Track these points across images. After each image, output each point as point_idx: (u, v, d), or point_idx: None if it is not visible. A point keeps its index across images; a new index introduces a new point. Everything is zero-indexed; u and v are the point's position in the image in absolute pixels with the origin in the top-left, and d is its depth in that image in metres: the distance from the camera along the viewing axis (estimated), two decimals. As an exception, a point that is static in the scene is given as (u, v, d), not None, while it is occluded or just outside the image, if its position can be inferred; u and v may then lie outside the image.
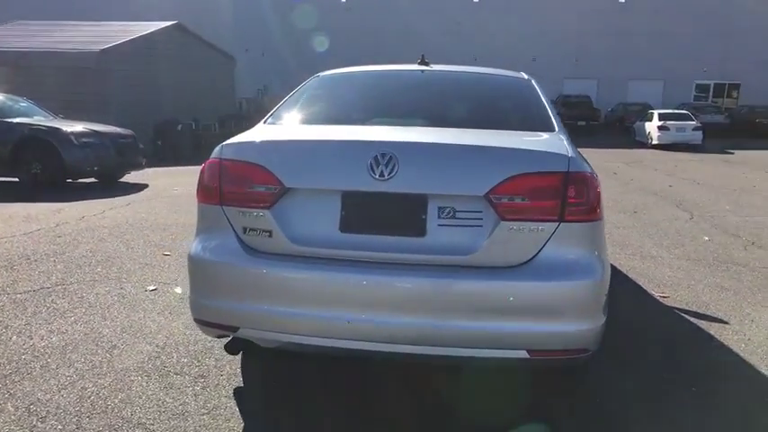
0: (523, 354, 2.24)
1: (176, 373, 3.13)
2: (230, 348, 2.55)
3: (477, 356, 2.27)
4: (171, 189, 9.70)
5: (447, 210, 2.28)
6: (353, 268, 2.28)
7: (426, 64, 3.55)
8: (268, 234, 2.37)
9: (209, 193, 2.50)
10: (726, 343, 3.68)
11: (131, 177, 10.89)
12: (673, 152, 19.95)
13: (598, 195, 2.34)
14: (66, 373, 3.10)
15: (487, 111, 3.05)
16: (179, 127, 17.15)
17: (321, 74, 3.61)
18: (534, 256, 2.25)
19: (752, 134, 25.10)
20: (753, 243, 6.45)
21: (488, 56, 23.33)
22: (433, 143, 2.42)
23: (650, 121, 22.35)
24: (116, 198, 8.73)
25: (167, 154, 16.34)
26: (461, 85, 3.36)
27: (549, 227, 2.24)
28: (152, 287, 4.49)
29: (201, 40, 22.08)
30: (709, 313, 4.20)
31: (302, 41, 30.98)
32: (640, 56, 30.49)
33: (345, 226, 2.33)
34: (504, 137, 2.65)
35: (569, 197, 2.24)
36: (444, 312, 2.22)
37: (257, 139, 2.58)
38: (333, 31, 30.69)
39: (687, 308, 4.31)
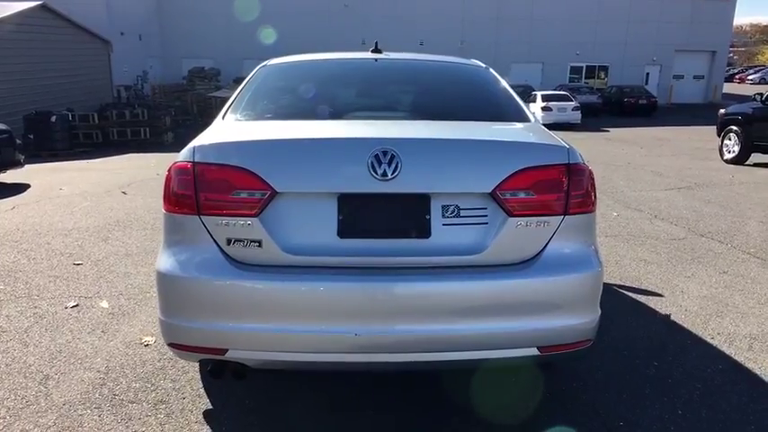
0: (534, 351, 2.20)
1: (131, 402, 2.79)
2: (215, 373, 2.28)
3: (489, 358, 2.19)
4: (57, 188, 8.79)
5: (451, 208, 2.17)
6: (356, 276, 2.11)
7: (380, 51, 3.40)
8: (257, 244, 2.14)
9: (180, 202, 2.21)
10: (673, 318, 3.89)
11: (7, 177, 9.73)
12: (555, 131, 21.04)
13: (594, 186, 2.34)
14: (-3, 415, 2.67)
15: (463, 102, 2.95)
16: (53, 118, 15.55)
17: (269, 63, 3.34)
18: (541, 252, 2.21)
19: (621, 112, 27.22)
20: (655, 216, 6.95)
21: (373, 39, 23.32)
22: (437, 139, 2.29)
23: (534, 102, 23.53)
24: (-5, 201, 7.76)
25: (41, 148, 14.82)
26: (428, 75, 3.24)
27: (554, 221, 2.20)
28: (72, 303, 4.01)
29: (72, 23, 20.17)
30: (642, 287, 4.44)
31: (183, 24, 29.30)
32: (521, 41, 31.97)
33: (344, 231, 2.15)
34: (496, 130, 2.57)
35: (571, 190, 2.22)
36: (456, 315, 2.12)
37: (237, 139, 2.31)
38: (208, 16, 29.27)
39: (623, 283, 4.53)
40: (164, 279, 2.22)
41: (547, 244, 2.21)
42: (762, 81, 48.39)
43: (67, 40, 19.80)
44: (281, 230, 2.14)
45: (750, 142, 11.59)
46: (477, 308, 2.13)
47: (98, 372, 3.07)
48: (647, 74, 33.51)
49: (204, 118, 22.29)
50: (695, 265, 5.02)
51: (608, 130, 21.30)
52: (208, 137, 2.34)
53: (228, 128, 2.54)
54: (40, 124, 15.15)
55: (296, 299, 2.11)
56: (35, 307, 3.95)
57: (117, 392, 2.87)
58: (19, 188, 8.88)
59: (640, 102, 27.51)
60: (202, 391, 2.90)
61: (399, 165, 2.12)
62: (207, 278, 2.15)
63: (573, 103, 23.13)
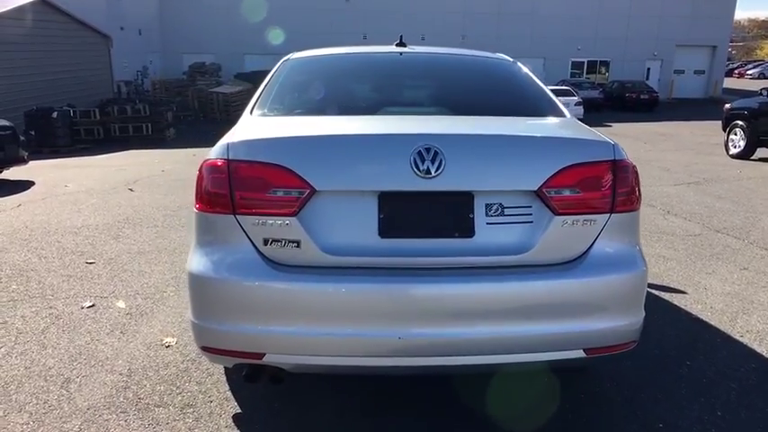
0: (580, 353, 2.14)
1: (158, 406, 2.73)
2: (251, 378, 2.21)
3: (535, 361, 2.13)
4: (62, 185, 8.70)
5: (495, 207, 2.11)
6: (398, 277, 2.05)
7: (404, 45, 3.33)
8: (295, 244, 2.07)
9: (214, 201, 2.14)
10: (693, 312, 3.84)
11: (11, 174, 9.64)
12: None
13: (639, 183, 2.28)
14: (20, 421, 2.60)
15: (496, 97, 2.88)
16: (54, 114, 15.41)
17: (292, 57, 3.27)
18: (587, 251, 2.15)
19: (622, 107, 27.12)
20: (668, 212, 6.89)
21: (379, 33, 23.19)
22: (481, 135, 2.22)
23: (536, 97, 23.42)
24: (1, 199, 7.67)
25: (43, 144, 14.70)
26: (456, 70, 3.18)
27: (600, 219, 2.14)
28: (88, 303, 3.94)
29: (72, 18, 19.99)
30: (665, 284, 4.38)
31: (183, 19, 29.13)
32: (523, 35, 31.85)
33: (385, 230, 2.09)
34: (537, 126, 2.51)
35: (617, 187, 2.16)
36: (501, 317, 2.06)
37: (273, 135, 2.24)
38: (209, 10, 29.08)
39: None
40: (197, 280, 2.16)
41: (593, 243, 2.15)
42: (761, 76, 48.37)
43: (67, 35, 19.64)
44: (319, 230, 2.08)
45: (756, 137, 11.53)
46: (524, 309, 2.07)
47: (120, 374, 3.01)
48: (648, 69, 33.41)
49: (205, 114, 22.25)
50: (715, 262, 4.96)
51: (610, 125, 21.23)
52: (241, 133, 2.27)
53: (260, 124, 2.47)
54: (41, 120, 15.03)
55: (336, 301, 2.04)
56: (50, 307, 3.88)
57: (142, 396, 2.81)
58: (23, 185, 8.80)
59: (642, 97, 27.42)
60: (229, 393, 2.84)
61: (443, 162, 2.06)
62: (243, 280, 2.08)
63: (575, 98, 23.02)
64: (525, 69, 3.17)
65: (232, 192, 2.10)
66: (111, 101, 19.42)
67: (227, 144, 2.16)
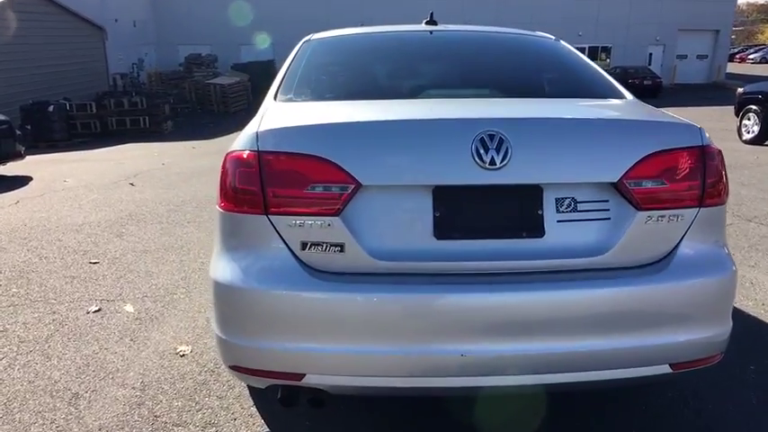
0: (666, 369, 1.87)
1: (176, 425, 2.46)
2: (288, 401, 1.94)
3: (615, 378, 1.86)
4: (61, 181, 8.41)
5: (567, 202, 1.84)
6: (458, 285, 1.78)
7: (434, 23, 3.04)
8: (338, 248, 1.80)
9: (243, 199, 1.86)
10: (745, 310, 3.58)
11: (7, 169, 9.33)
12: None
13: (726, 171, 2.00)
14: (25, 444, 2.34)
15: (548, 77, 2.61)
16: (50, 108, 15.08)
17: (312, 38, 2.98)
18: (672, 251, 1.87)
19: (625, 94, 26.84)
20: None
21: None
22: (554, 119, 1.94)
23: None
24: (-3, 195, 7.38)
25: (39, 139, 14.37)
26: (497, 49, 2.89)
27: (689, 214, 1.87)
28: (94, 307, 3.66)
29: (66, 10, 19.58)
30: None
31: (177, 10, 28.64)
32: (523, 21, 31.42)
33: (441, 231, 1.81)
34: (607, 108, 2.23)
35: (707, 177, 1.88)
36: (578, 329, 1.79)
37: (310, 122, 1.95)
38: (204, 1, 28.57)
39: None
40: (224, 290, 1.88)
41: (679, 242, 1.88)
42: (762, 60, 48.00)
43: (61, 27, 19.24)
44: (366, 231, 1.80)
45: (771, 122, 11.25)
46: (603, 320, 1.80)
47: (133, 388, 2.74)
48: (650, 54, 33.01)
49: (203, 105, 21.87)
50: (755, 253, 4.69)
51: (615, 112, 20.92)
52: (271, 120, 1.99)
53: (290, 110, 2.19)
54: (37, 114, 14.70)
55: (388, 313, 1.77)
56: (53, 312, 3.61)
57: (158, 414, 2.54)
58: (21, 181, 8.50)
59: (645, 82, 27.05)
60: (254, 410, 2.57)
61: (509, 150, 1.78)
62: (280, 290, 1.80)
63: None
64: (570, 48, 2.89)
65: (263, 188, 1.83)
66: (107, 94, 19.05)
67: (257, 133, 1.88)
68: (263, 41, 25.83)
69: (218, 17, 28.57)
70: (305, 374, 1.83)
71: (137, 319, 3.50)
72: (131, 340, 3.23)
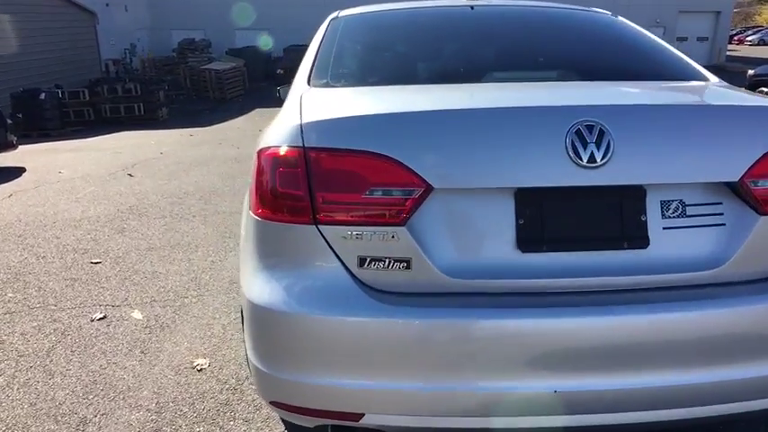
0: None
1: (201, 456, 2.18)
2: None
3: (738, 412, 1.58)
4: (56, 172, 8.05)
5: (674, 205, 1.55)
6: (551, 308, 1.48)
7: (474, -3, 2.72)
8: (404, 264, 1.50)
9: (285, 206, 1.56)
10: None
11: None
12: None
13: None
14: (29, 483, 2.05)
15: (624, 57, 2.30)
16: (42, 95, 14.61)
17: (341, 15, 2.65)
18: None
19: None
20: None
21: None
22: (661, 106, 1.64)
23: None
24: (-11, 188, 7.03)
25: (31, 128, 13.95)
26: (556, 26, 2.56)
27: None
28: (98, 315, 3.36)
29: (54, -7, 19.05)
30: None
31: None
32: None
33: (526, 242, 1.52)
34: (707, 93, 1.93)
35: None
36: (692, 356, 1.50)
37: (366, 112, 1.64)
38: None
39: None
40: (263, 315, 1.58)
41: None
42: (761, 42, 47.62)
43: (51, 11, 18.70)
44: (436, 243, 1.51)
45: (785, 104, 10.99)
46: (721, 345, 1.51)
47: (148, 411, 2.45)
48: (650, 36, 32.65)
49: (198, 92, 21.39)
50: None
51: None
52: (315, 109, 1.68)
53: (333, 97, 1.87)
54: (28, 102, 14.24)
55: (466, 342, 1.48)
56: (54, 320, 3.31)
57: (178, 441, 2.26)
58: (14, 172, 8.13)
59: (646, 65, 26.74)
60: (286, 435, 2.29)
61: (611, 144, 1.48)
62: (334, 315, 1.51)
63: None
64: (633, 25, 2.58)
65: (312, 193, 1.53)
66: (99, 80, 18.57)
67: (300, 125, 1.57)
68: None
69: (211, 1, 27.97)
70: (363, 414, 1.54)
71: (146, 327, 3.21)
72: (142, 353, 2.93)
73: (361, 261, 1.52)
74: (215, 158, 8.69)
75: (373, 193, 1.50)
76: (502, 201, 1.52)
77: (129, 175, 7.59)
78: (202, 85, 21.38)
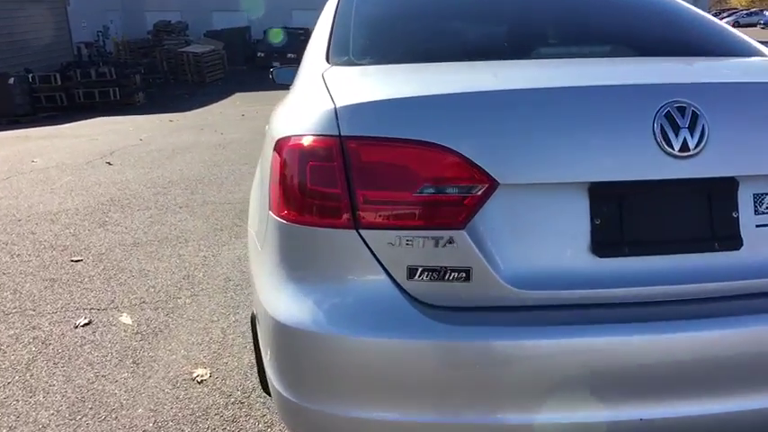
0: None
1: (209, 487, 1.91)
2: None
3: None
4: (28, 161, 7.62)
5: (767, 200, 1.32)
6: (636, 324, 1.24)
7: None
8: (462, 275, 1.24)
9: (318, 206, 1.28)
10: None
11: (-34, 149, 8.49)
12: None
13: None
14: None
15: (687, 32, 2.03)
16: (11, 80, 14.00)
17: None
18: None
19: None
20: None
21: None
22: (756, 84, 1.39)
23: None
24: (-43, 179, 6.60)
25: (0, 115, 13.36)
26: None
27: None
28: (83, 320, 3.06)
29: (21, -27, 18.24)
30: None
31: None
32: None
33: (603, 245, 1.27)
34: None
35: None
36: None
37: (415, 93, 1.35)
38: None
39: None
40: (294, 337, 1.30)
41: None
42: (735, 24, 47.99)
43: (19, -8, 17.93)
44: (499, 249, 1.25)
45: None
46: None
47: (145, 433, 2.17)
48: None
49: (176, 76, 20.79)
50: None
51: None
52: (351, 91, 1.39)
53: (369, 77, 1.58)
54: (-4, 87, 13.63)
55: (539, 365, 1.23)
56: (33, 327, 2.99)
57: (182, 470, 1.99)
58: (-18, 162, 7.68)
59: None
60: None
61: (706, 130, 1.24)
62: (380, 337, 1.24)
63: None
64: None
65: (351, 191, 1.25)
66: (72, 64, 17.87)
67: (335, 110, 1.29)
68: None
69: (186, -19, 27.17)
70: (418, 454, 1.28)
71: (137, 333, 2.91)
72: (134, 363, 2.64)
73: (411, 271, 1.25)
74: (198, 145, 8.32)
75: (426, 191, 1.23)
76: (574, 198, 1.27)
77: (108, 163, 7.19)
78: (180, 68, 20.78)
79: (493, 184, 1.23)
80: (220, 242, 4.16)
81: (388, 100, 1.31)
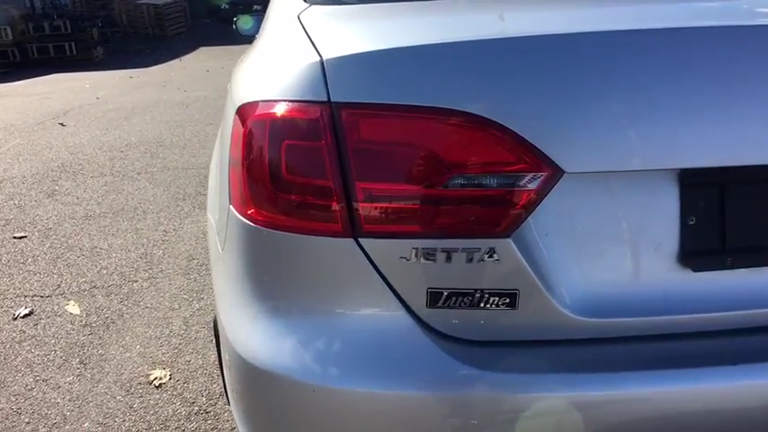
0: None
1: None
2: None
3: None
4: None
5: None
6: (755, 365, 0.92)
7: None
8: (505, 301, 0.90)
9: (299, 204, 0.92)
10: None
11: None
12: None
13: None
14: None
15: None
16: (-44, 34, 13.08)
17: None
18: None
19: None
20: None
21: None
22: None
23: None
24: None
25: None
26: None
27: None
28: (23, 310, 2.67)
29: None
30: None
31: None
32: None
33: (698, 254, 0.93)
34: None
35: None
36: None
37: (434, 40, 0.95)
38: None
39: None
40: (271, 386, 0.96)
41: None
42: None
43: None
44: (557, 264, 0.91)
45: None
46: None
47: (92, 453, 1.84)
48: None
49: (136, 29, 19.72)
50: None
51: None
52: (342, 39, 1.02)
53: (365, 18, 1.17)
54: (-61, 42, 12.65)
55: (613, 421, 0.91)
56: (-35, 320, 2.60)
57: (135, 502, 1.66)
58: None
59: None
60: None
61: None
62: (393, 389, 0.90)
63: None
64: None
65: (347, 184, 0.89)
66: (24, 17, 16.77)
67: (321, 64, 0.91)
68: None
69: (144, -72, 25.56)
70: None
71: (85, 325, 2.54)
72: (81, 363, 2.29)
73: (435, 297, 0.91)
74: (159, 103, 7.75)
75: (456, 183, 0.87)
76: (659, 190, 0.92)
77: (61, 124, 6.63)
78: (140, 21, 19.71)
79: (555, 173, 0.87)
80: (182, 214, 3.76)
81: (400, 49, 0.93)
